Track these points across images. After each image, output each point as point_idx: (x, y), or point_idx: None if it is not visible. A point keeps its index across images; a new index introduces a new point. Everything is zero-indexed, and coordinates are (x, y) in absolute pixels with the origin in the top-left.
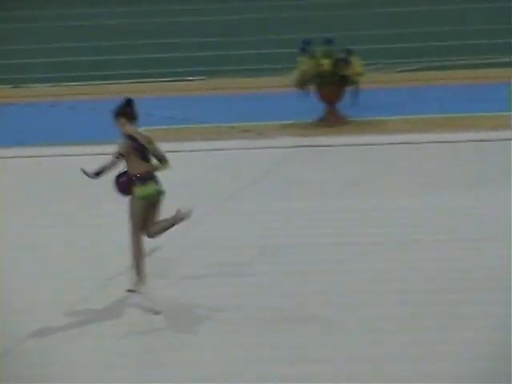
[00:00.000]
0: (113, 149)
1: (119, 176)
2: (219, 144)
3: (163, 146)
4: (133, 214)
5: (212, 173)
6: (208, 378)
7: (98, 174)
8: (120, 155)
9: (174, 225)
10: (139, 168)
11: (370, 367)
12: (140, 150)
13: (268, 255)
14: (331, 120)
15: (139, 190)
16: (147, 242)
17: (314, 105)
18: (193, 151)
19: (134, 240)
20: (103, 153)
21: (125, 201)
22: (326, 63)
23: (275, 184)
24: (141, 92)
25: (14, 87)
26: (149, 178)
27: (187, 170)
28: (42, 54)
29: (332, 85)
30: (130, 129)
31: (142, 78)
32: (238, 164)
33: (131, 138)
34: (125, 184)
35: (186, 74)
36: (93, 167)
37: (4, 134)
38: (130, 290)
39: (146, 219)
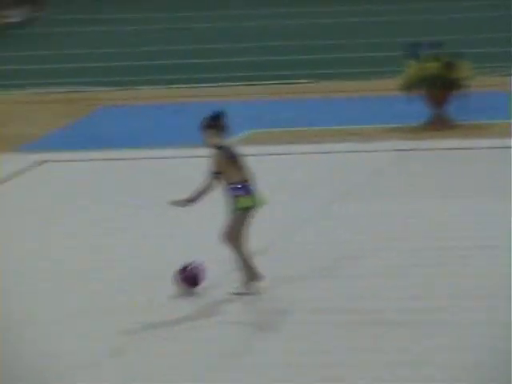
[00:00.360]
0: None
1: (183, 270)
2: (325, 147)
3: (270, 149)
4: (236, 226)
5: (317, 175)
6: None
7: (191, 200)
8: (214, 173)
9: (242, 264)
10: (237, 177)
11: (454, 374)
12: (233, 159)
13: (367, 258)
14: (438, 124)
15: (244, 201)
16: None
17: (420, 108)
18: (300, 154)
19: (238, 249)
20: (203, 155)
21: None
22: (434, 66)
23: (380, 187)
24: (249, 95)
25: (120, 90)
26: (249, 186)
27: (294, 172)
28: (151, 56)
29: (439, 88)
30: (217, 140)
31: (250, 81)
32: (344, 167)
33: (222, 148)
34: (190, 278)
35: (295, 76)
36: (183, 196)
37: (110, 136)
38: (235, 293)
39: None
